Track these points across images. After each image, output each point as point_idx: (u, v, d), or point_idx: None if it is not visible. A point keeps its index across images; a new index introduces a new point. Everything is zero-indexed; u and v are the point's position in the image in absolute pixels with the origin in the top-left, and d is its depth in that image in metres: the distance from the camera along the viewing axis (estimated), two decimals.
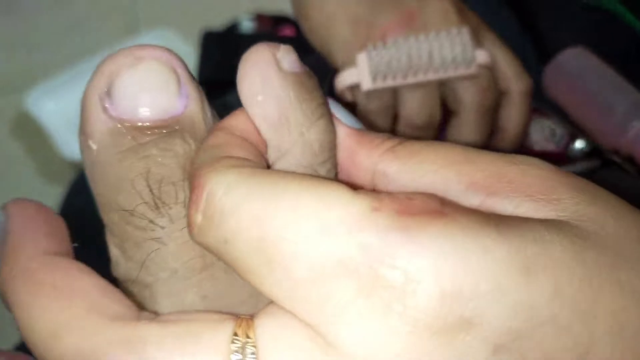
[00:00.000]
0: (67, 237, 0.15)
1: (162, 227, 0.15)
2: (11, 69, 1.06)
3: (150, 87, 0.15)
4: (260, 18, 0.88)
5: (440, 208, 0.12)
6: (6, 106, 0.98)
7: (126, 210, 0.15)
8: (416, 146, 0.15)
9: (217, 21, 0.91)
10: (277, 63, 0.15)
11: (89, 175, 0.15)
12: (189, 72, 0.16)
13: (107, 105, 0.15)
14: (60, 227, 0.15)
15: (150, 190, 0.14)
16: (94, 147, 0.15)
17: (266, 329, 0.12)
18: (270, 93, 0.15)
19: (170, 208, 0.15)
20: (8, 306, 0.13)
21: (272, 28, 0.85)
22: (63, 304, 0.13)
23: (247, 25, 0.85)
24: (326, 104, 0.16)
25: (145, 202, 0.14)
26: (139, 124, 0.15)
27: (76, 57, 0.94)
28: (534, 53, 0.43)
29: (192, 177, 0.14)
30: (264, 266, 0.12)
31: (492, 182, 0.14)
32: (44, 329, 0.13)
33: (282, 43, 0.15)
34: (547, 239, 0.12)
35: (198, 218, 0.13)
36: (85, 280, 0.13)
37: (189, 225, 0.13)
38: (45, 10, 1.15)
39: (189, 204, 0.13)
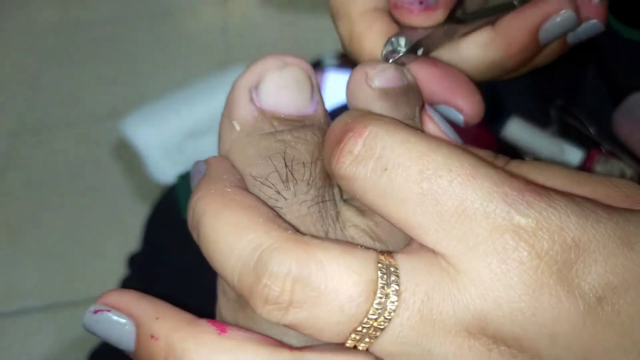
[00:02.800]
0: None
1: (285, 199, 0.17)
2: (113, 98, 1.18)
3: (292, 87, 0.18)
4: (343, 55, 0.93)
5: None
6: (107, 132, 1.09)
7: (257, 180, 0.18)
8: (523, 168, 0.18)
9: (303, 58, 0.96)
10: (367, 80, 0.18)
11: (227, 151, 0.19)
12: (318, 83, 0.20)
13: (254, 97, 0.18)
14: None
15: (285, 165, 0.18)
16: (237, 127, 0.18)
17: (405, 259, 0.15)
18: (356, 105, 0.18)
19: (296, 183, 0.18)
20: (193, 224, 0.16)
21: (354, 65, 0.89)
22: (248, 213, 0.15)
23: (331, 62, 0.90)
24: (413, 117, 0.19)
25: (278, 173, 0.18)
26: (279, 115, 0.18)
27: (169, 88, 1.02)
28: (610, 98, 0.44)
29: (346, 126, 0.16)
30: (417, 196, 0.14)
31: (610, 201, 0.16)
32: (230, 229, 0.15)
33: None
34: None
35: (357, 147, 0.15)
36: (266, 207, 0.16)
37: (337, 156, 0.15)
38: (144, 47, 1.28)
39: (345, 138, 0.16)
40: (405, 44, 0.20)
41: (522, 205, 0.14)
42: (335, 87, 0.79)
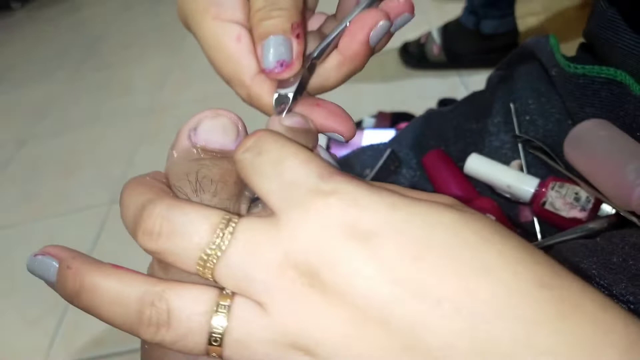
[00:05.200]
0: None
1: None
2: None
3: (217, 131, 0.25)
4: (380, 115, 1.00)
5: None
6: None
7: (177, 189, 0.24)
8: None
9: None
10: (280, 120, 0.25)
11: (166, 170, 0.26)
12: (246, 131, 0.26)
13: (191, 135, 0.26)
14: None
15: (197, 179, 0.24)
16: (175, 155, 0.26)
17: (246, 218, 0.20)
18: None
19: (203, 192, 0.24)
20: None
21: (391, 123, 0.97)
22: (151, 188, 0.22)
23: (369, 121, 0.98)
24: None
25: (191, 184, 0.24)
26: (206, 149, 0.25)
27: None
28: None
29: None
30: (271, 172, 0.20)
31: None
32: (132, 194, 0.22)
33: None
34: None
35: (249, 142, 0.22)
36: (166, 190, 0.23)
37: (238, 148, 0.22)
38: None
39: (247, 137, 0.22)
40: (291, 92, 0.27)
41: (329, 180, 0.19)
42: (371, 139, 0.87)
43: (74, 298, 0.21)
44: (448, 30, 1.42)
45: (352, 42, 0.26)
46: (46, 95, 2.03)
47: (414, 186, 0.52)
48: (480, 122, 0.53)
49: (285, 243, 0.19)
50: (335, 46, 0.27)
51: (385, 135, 0.86)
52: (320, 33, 0.30)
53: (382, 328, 0.17)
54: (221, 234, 0.20)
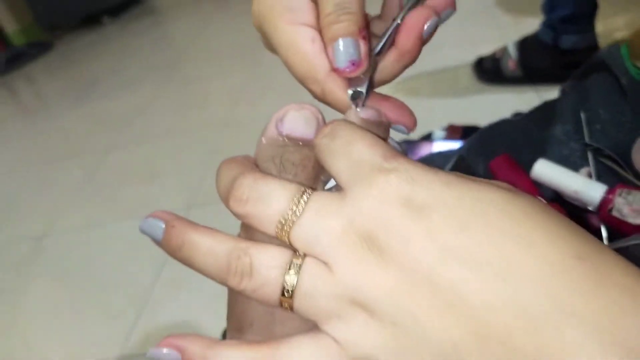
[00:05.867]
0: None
1: None
2: None
3: (301, 121, 0.29)
4: (451, 128, 1.01)
5: None
6: None
7: (265, 170, 0.28)
8: None
9: (416, 132, 1.08)
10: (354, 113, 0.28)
11: (256, 154, 0.29)
12: (325, 123, 0.29)
13: (278, 124, 0.29)
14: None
15: (281, 162, 0.28)
16: (264, 141, 0.29)
17: (319, 192, 0.23)
18: None
19: (286, 173, 0.27)
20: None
21: (461, 136, 0.98)
22: (243, 165, 0.26)
23: (439, 134, 0.99)
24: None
25: (275, 166, 0.28)
26: (291, 137, 0.29)
27: None
28: None
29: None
30: (341, 153, 0.23)
31: None
32: (229, 168, 0.26)
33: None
34: None
35: (327, 129, 0.25)
36: (256, 170, 0.26)
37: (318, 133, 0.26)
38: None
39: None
40: (363, 88, 0.30)
41: (391, 160, 0.22)
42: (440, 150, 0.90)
43: (176, 251, 0.25)
44: (525, 44, 1.41)
45: (408, 38, 0.29)
46: (132, 106, 2.17)
47: None
48: (550, 130, 0.54)
49: (349, 212, 0.22)
50: (392, 43, 0.30)
51: (455, 146, 0.88)
52: (372, 33, 0.33)
53: (429, 288, 0.20)
54: (297, 202, 0.23)
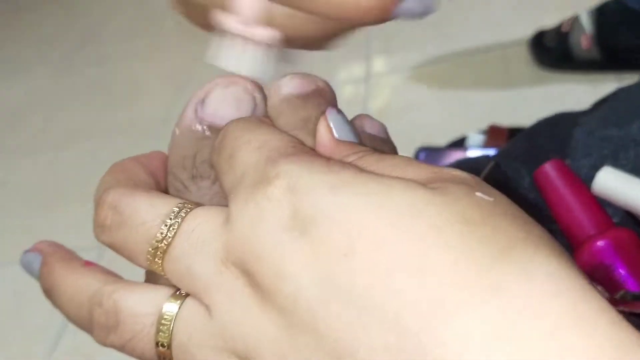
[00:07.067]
0: None
1: (190, 192, 0.29)
2: None
3: (229, 103, 0.30)
4: (492, 130, 1.02)
5: None
6: None
7: (174, 176, 0.29)
8: (383, 162, 0.26)
9: (449, 136, 1.09)
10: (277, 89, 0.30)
11: (168, 149, 0.30)
12: (265, 102, 0.30)
13: (198, 108, 0.30)
14: None
15: (193, 166, 0.29)
16: (177, 132, 0.30)
17: (199, 208, 0.25)
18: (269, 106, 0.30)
19: (202, 179, 0.29)
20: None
21: (506, 141, 0.98)
22: (124, 175, 0.28)
23: (476, 139, 1.00)
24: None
25: (186, 170, 0.29)
26: (216, 125, 0.29)
27: None
28: None
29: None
30: (227, 163, 0.25)
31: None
32: (108, 180, 0.28)
33: None
34: None
35: (216, 142, 0.27)
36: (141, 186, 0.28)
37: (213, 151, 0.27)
38: None
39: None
40: None
41: (275, 164, 0.23)
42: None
43: (48, 296, 0.26)
44: (604, 13, 1.43)
45: None
46: (22, 100, 2.18)
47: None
48: (624, 128, 0.54)
49: (227, 238, 0.23)
50: None
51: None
52: None
53: (311, 334, 0.20)
54: (168, 224, 0.24)
